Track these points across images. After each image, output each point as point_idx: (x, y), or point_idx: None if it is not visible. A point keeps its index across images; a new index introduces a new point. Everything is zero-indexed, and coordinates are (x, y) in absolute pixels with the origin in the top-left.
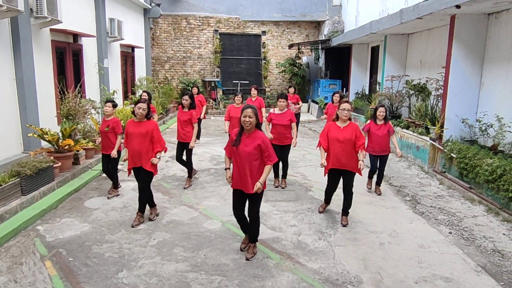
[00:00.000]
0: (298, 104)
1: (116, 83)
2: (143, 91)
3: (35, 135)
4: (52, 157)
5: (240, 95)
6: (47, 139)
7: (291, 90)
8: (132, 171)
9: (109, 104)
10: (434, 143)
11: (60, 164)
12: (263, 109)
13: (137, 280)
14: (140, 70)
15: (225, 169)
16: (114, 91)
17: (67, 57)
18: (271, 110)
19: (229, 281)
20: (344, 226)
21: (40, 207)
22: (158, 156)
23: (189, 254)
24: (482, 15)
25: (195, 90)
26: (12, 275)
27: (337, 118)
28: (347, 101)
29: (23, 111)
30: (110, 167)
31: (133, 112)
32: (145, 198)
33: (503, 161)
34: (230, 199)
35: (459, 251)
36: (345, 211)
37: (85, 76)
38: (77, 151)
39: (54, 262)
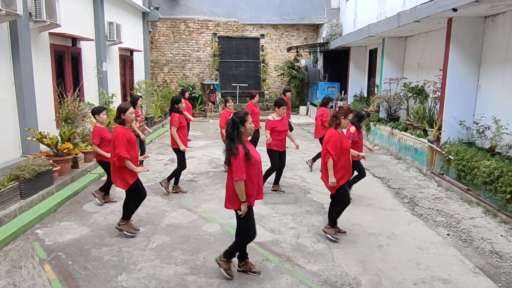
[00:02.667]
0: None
1: (115, 87)
2: (141, 96)
3: (34, 139)
4: (51, 161)
5: (231, 100)
6: (46, 142)
7: (288, 94)
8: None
9: (105, 112)
10: (432, 145)
11: (59, 167)
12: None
13: (136, 284)
14: (139, 74)
15: (244, 202)
16: (113, 94)
17: (66, 60)
18: (270, 118)
19: (228, 284)
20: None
21: (39, 210)
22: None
23: (188, 257)
24: (479, 18)
25: (187, 94)
26: (11, 279)
27: (336, 126)
28: (352, 110)
29: (22, 115)
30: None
31: (122, 121)
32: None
33: (501, 163)
34: None
35: (457, 252)
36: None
37: (84, 80)
38: (76, 154)
39: (53, 266)
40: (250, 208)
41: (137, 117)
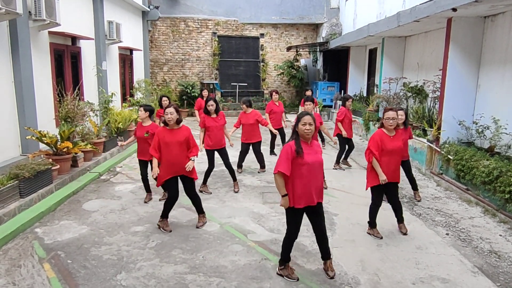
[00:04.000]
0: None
1: (114, 86)
2: (164, 96)
3: (34, 138)
4: (50, 160)
5: (245, 106)
6: (45, 141)
7: (308, 93)
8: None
9: (141, 108)
10: (431, 145)
11: (58, 166)
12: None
13: (136, 282)
14: (139, 73)
15: (284, 195)
16: (112, 93)
17: (66, 59)
18: None
19: (228, 283)
20: (405, 234)
21: (39, 209)
22: (192, 159)
23: (187, 256)
24: (479, 18)
25: (205, 93)
26: (10, 278)
27: (382, 125)
28: (391, 109)
29: (22, 114)
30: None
31: (164, 122)
32: (199, 200)
33: (500, 162)
34: (228, 201)
35: (456, 252)
36: (401, 219)
37: (83, 79)
38: (76, 153)
39: (52, 265)
40: (298, 211)
41: (161, 116)
